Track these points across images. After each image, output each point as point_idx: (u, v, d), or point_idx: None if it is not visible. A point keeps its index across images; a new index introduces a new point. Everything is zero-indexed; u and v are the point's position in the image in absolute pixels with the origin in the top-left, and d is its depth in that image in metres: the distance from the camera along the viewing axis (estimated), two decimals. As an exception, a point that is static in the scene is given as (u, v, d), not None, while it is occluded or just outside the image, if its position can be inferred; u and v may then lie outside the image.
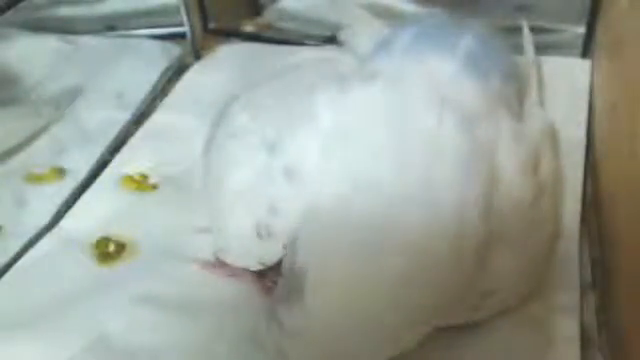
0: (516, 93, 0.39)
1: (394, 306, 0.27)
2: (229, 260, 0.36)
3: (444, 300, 0.28)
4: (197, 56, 0.59)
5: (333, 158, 0.30)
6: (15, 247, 0.41)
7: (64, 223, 0.43)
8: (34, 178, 0.46)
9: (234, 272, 0.37)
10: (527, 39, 0.50)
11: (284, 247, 0.30)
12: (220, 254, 0.37)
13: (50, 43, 0.59)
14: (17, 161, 0.48)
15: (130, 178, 0.46)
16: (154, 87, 0.55)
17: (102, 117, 0.52)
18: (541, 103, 0.45)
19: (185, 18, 0.58)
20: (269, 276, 0.36)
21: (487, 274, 0.30)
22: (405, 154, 0.29)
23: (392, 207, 0.28)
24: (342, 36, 0.49)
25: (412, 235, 0.27)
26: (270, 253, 0.32)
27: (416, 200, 0.28)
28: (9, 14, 0.55)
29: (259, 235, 0.32)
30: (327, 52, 0.50)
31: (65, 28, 0.61)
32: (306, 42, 0.59)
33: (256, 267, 0.34)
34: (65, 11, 0.63)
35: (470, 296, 0.31)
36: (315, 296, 0.27)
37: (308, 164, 0.30)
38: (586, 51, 0.53)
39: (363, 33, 0.46)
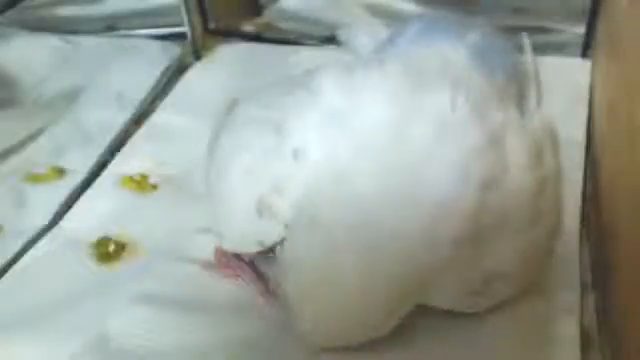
0: (517, 93, 0.38)
1: (355, 293, 0.29)
2: (227, 246, 0.35)
3: (414, 289, 0.30)
4: (197, 56, 0.59)
5: (327, 144, 0.30)
6: (15, 247, 0.41)
7: (64, 223, 0.43)
8: (34, 178, 0.46)
9: (235, 273, 0.37)
10: (526, 39, 0.50)
11: (285, 227, 0.31)
12: (219, 241, 0.36)
13: (50, 43, 0.59)
14: (17, 161, 0.48)
15: (130, 178, 0.46)
16: (154, 87, 0.55)
17: (102, 117, 0.52)
18: (540, 103, 0.45)
19: (185, 18, 0.58)
20: (271, 280, 0.36)
21: (489, 260, 0.31)
22: (400, 145, 0.29)
23: (364, 199, 0.28)
24: (341, 36, 0.49)
25: (382, 228, 0.28)
26: (270, 233, 0.32)
27: (392, 195, 0.28)
28: (9, 14, 0.56)
29: (259, 212, 0.32)
30: (328, 54, 0.49)
31: (65, 28, 0.61)
32: (306, 42, 0.59)
33: (254, 249, 0.33)
34: (65, 11, 0.63)
35: (472, 280, 0.31)
36: (288, 282, 0.31)
37: (311, 146, 0.30)
38: (586, 51, 0.53)
39: (362, 33, 0.46)
